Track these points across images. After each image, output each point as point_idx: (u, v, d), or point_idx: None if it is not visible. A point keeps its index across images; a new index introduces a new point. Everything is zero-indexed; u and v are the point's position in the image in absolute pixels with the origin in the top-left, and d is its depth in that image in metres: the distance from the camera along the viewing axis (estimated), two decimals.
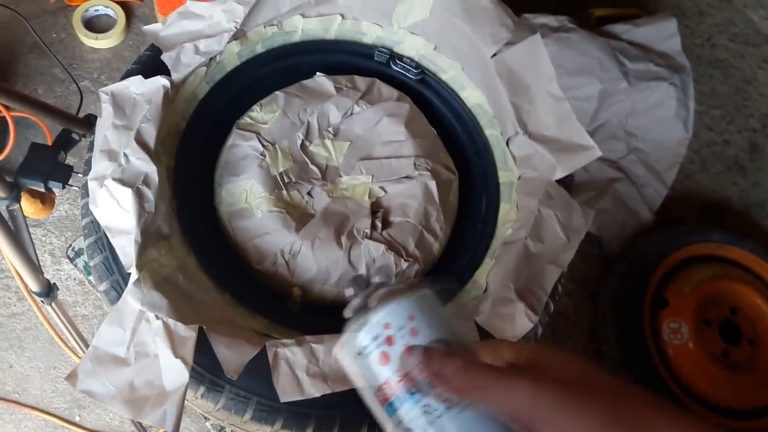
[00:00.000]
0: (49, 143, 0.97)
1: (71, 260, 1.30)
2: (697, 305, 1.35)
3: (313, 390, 0.65)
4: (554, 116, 0.81)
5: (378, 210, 0.82)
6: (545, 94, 0.81)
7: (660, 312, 1.37)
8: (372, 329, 0.39)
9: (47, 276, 0.94)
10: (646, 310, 1.39)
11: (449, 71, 0.92)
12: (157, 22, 1.45)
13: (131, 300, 0.65)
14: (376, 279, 0.46)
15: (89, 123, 0.99)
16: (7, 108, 1.42)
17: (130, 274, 0.68)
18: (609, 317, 1.41)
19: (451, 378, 0.35)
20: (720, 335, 1.34)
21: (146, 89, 0.79)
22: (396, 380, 0.37)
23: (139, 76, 0.79)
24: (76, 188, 0.90)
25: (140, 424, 1.24)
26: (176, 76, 0.82)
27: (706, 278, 1.39)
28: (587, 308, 1.49)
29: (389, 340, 0.38)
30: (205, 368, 0.67)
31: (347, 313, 0.42)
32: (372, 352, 0.38)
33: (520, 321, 0.72)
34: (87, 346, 1.07)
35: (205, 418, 1.20)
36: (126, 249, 0.69)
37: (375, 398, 0.39)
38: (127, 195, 0.70)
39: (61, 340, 1.25)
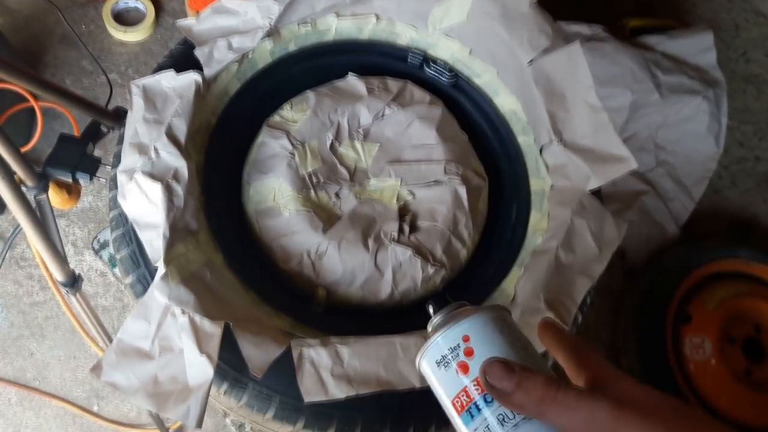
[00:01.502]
0: (76, 135, 0.97)
1: (96, 252, 1.30)
2: (721, 322, 1.33)
3: (338, 391, 0.64)
4: (591, 126, 0.79)
5: (406, 214, 0.81)
6: (583, 103, 0.80)
7: (683, 327, 1.35)
8: (452, 340, 0.41)
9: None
10: (669, 325, 1.37)
11: (483, 76, 0.91)
12: (186, 16, 1.46)
13: (158, 294, 0.65)
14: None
15: (118, 115, 0.99)
16: (35, 98, 1.44)
17: (156, 268, 0.67)
18: (630, 330, 1.39)
19: (532, 392, 0.36)
20: (743, 353, 1.32)
21: (178, 84, 0.79)
22: (474, 389, 0.39)
23: (171, 71, 0.79)
24: (103, 180, 0.90)
25: (157, 416, 1.24)
26: (208, 71, 0.82)
27: (731, 295, 1.36)
28: (608, 319, 1.47)
29: (468, 352, 0.40)
30: (228, 365, 0.66)
31: (429, 328, 0.44)
32: (451, 361, 0.40)
33: None
34: (108, 337, 1.08)
35: (226, 414, 1.20)
36: (153, 243, 0.69)
37: (453, 406, 0.40)
38: (156, 189, 0.70)
39: (83, 330, 1.25)
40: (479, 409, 0.38)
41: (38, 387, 1.35)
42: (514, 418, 0.37)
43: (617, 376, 0.38)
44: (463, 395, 0.39)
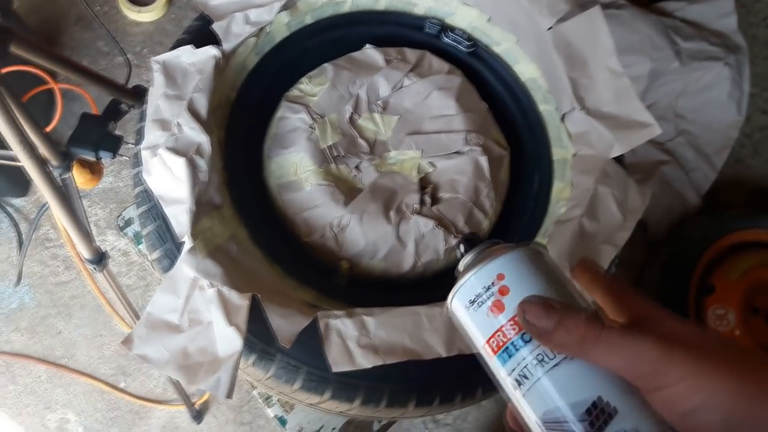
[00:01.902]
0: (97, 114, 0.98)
1: (121, 229, 1.32)
2: (744, 292, 1.32)
3: (364, 361, 0.65)
4: (613, 92, 0.78)
5: (427, 186, 0.81)
6: (604, 68, 0.79)
7: (705, 298, 1.35)
8: (486, 278, 0.39)
9: None
10: (691, 296, 1.36)
11: (503, 44, 0.90)
12: None
13: (185, 268, 0.65)
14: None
15: (138, 94, 0.99)
16: (54, 80, 1.45)
17: (182, 242, 0.68)
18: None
19: (573, 330, 0.35)
20: (767, 323, 1.31)
21: (197, 59, 0.79)
22: (511, 328, 0.37)
23: (190, 46, 0.79)
24: (125, 158, 0.91)
25: (182, 392, 1.26)
26: (227, 46, 0.82)
27: (754, 265, 1.35)
28: None
29: (503, 290, 0.38)
30: (256, 336, 0.67)
31: (459, 268, 0.42)
32: (486, 301, 0.38)
33: None
34: (135, 313, 1.09)
35: (253, 386, 1.22)
36: (179, 218, 0.70)
37: (487, 347, 0.38)
38: (180, 164, 0.71)
39: (110, 306, 1.28)
40: (517, 349, 0.37)
41: (66, 364, 1.38)
42: (555, 357, 0.36)
43: (660, 313, 0.37)
44: (499, 335, 0.37)
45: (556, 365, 0.36)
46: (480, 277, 0.39)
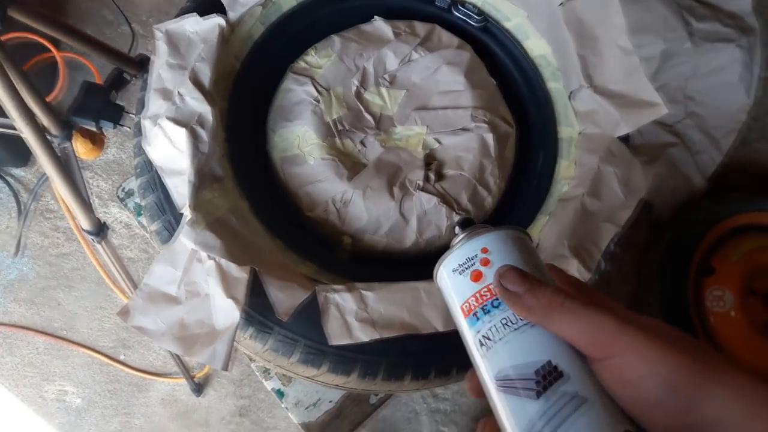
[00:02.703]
0: (99, 84, 0.97)
1: (121, 200, 1.31)
2: (744, 274, 1.32)
3: (362, 335, 0.64)
4: (622, 70, 0.77)
5: (432, 162, 0.80)
6: (615, 46, 0.77)
7: (705, 279, 1.34)
8: (472, 249, 0.43)
9: None
10: (691, 277, 1.36)
11: (513, 19, 0.89)
12: None
13: (184, 239, 0.65)
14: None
15: (141, 63, 0.98)
16: (57, 48, 1.43)
17: (182, 214, 0.67)
18: (654, 283, 1.38)
19: (540, 296, 0.38)
20: (764, 305, 1.31)
21: (201, 28, 0.78)
22: (485, 294, 0.41)
23: (195, 14, 0.78)
24: (127, 130, 0.90)
25: (182, 365, 1.26)
26: (232, 15, 0.80)
27: (755, 248, 1.35)
28: (631, 273, 1.46)
29: (484, 262, 0.42)
30: (254, 309, 0.67)
31: (453, 243, 0.46)
32: (468, 269, 0.43)
33: None
34: (135, 285, 1.09)
35: (251, 359, 1.22)
36: (179, 189, 0.69)
37: (461, 310, 0.42)
38: (181, 135, 0.70)
39: (110, 279, 1.27)
40: (486, 312, 0.41)
41: (66, 336, 1.38)
42: (518, 322, 0.39)
43: (618, 303, 0.40)
44: (472, 299, 0.41)
45: (517, 329, 0.39)
46: (467, 248, 0.43)
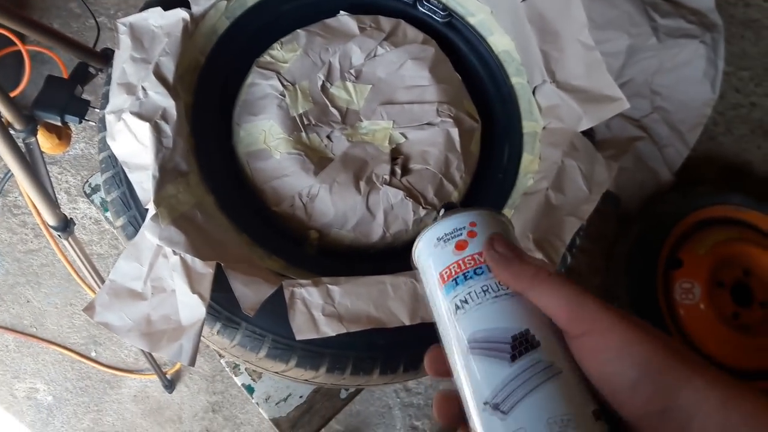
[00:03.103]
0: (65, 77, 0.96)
1: (88, 196, 1.29)
2: (711, 266, 1.35)
3: (328, 329, 0.65)
4: (584, 65, 0.78)
5: (398, 156, 0.80)
6: (576, 42, 0.78)
7: (673, 272, 1.37)
8: (461, 221, 0.43)
9: None
10: (660, 270, 1.38)
11: (477, 15, 0.89)
12: None
13: (149, 235, 0.65)
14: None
15: (106, 57, 0.97)
16: (22, 41, 1.41)
17: (147, 209, 0.67)
18: (622, 276, 1.41)
19: (527, 266, 0.39)
20: (732, 297, 1.34)
21: (165, 22, 0.77)
22: (468, 262, 0.41)
23: (159, 8, 0.77)
24: (93, 124, 0.89)
25: (154, 361, 1.26)
26: (196, 9, 0.80)
27: (722, 240, 1.38)
28: (600, 266, 1.49)
29: (471, 234, 0.42)
30: (221, 305, 0.67)
31: (438, 217, 0.46)
32: (452, 239, 0.42)
33: None
34: (103, 282, 1.08)
35: (220, 355, 1.22)
36: (144, 184, 0.69)
37: (439, 277, 0.42)
38: (144, 129, 0.69)
39: (78, 275, 1.26)
40: (466, 278, 0.40)
41: (36, 334, 1.37)
42: (498, 291, 0.39)
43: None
44: (454, 266, 0.41)
45: (497, 296, 0.39)
46: (456, 220, 0.43)
